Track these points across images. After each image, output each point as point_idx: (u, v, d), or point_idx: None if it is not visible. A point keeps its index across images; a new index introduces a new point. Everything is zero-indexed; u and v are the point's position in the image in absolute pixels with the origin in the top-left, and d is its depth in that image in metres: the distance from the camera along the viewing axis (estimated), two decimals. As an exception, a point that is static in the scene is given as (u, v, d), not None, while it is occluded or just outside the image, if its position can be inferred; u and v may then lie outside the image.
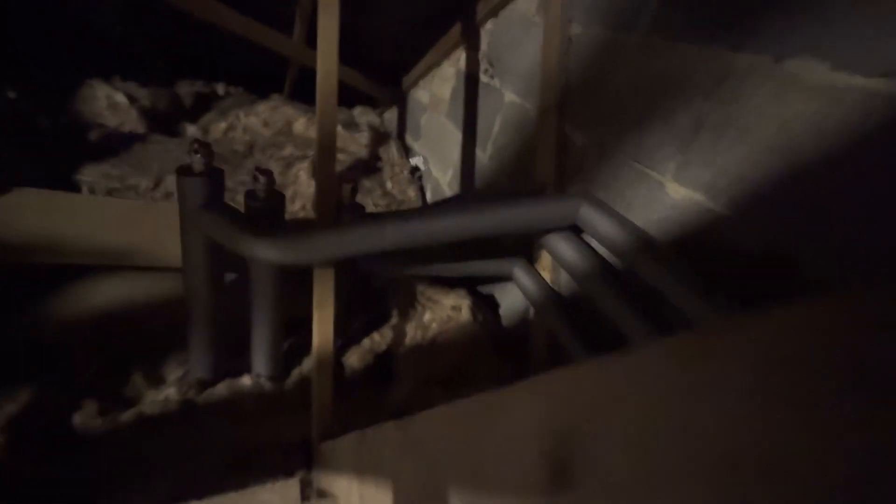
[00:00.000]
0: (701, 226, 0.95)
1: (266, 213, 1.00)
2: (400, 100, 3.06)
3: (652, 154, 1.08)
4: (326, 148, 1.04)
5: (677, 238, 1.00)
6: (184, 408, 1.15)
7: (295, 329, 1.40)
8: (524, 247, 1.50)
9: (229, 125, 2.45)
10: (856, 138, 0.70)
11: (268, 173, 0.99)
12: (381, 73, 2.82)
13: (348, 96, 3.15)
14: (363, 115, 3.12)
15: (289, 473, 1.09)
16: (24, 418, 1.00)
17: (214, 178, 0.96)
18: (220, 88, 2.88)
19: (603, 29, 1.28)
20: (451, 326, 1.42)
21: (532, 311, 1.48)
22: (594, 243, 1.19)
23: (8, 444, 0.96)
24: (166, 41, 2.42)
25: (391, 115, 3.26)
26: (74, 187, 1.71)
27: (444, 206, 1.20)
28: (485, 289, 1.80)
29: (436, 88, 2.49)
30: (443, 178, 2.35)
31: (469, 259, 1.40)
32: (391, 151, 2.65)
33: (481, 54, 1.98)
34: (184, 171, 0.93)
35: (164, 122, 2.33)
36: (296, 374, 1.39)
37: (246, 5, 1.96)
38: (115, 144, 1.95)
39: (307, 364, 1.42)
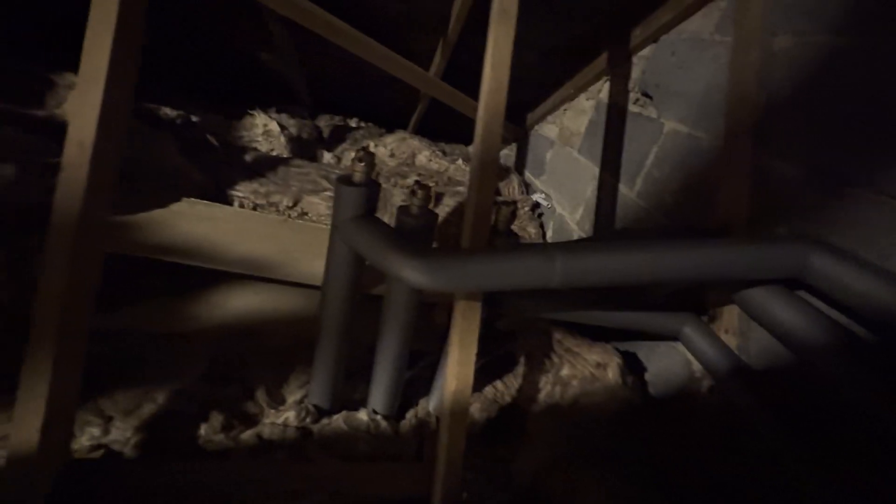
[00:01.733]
0: None
1: (418, 232, 0.90)
2: (521, 137, 2.99)
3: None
4: (487, 161, 0.92)
5: None
6: (299, 436, 1.05)
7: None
8: (692, 301, 1.21)
9: (360, 154, 2.56)
10: None
11: (426, 188, 0.89)
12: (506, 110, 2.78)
13: (465, 131, 3.18)
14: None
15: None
16: (158, 420, 0.98)
17: (372, 190, 0.88)
18: (354, 122, 3.09)
19: (828, 35, 1.01)
20: (597, 388, 1.17)
21: (703, 380, 1.16)
22: (823, 307, 0.88)
23: (140, 444, 0.94)
24: (315, 81, 2.67)
25: (509, 152, 3.19)
26: (228, 200, 1.85)
27: (626, 242, 0.99)
28: (623, 346, 1.52)
29: (568, 122, 2.34)
30: (570, 217, 2.14)
31: (625, 308, 1.15)
32: (512, 186, 2.54)
33: (632, 83, 1.79)
34: (343, 181, 0.87)
35: (306, 149, 2.52)
36: (410, 415, 1.24)
37: (389, 39, 2.05)
38: (264, 165, 2.11)
39: (423, 406, 1.26)
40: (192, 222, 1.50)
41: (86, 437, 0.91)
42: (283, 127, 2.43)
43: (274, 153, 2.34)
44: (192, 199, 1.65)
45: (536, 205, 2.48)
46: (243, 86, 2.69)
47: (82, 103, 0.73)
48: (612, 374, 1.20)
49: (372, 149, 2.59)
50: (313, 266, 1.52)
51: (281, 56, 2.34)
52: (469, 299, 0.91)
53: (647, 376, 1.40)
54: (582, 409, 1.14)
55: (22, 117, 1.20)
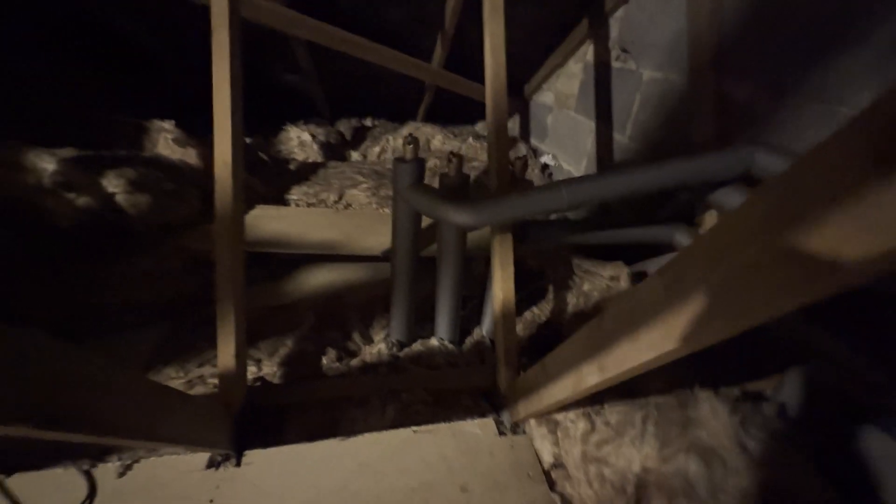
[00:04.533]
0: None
1: (458, 188, 1.22)
2: (521, 108, 3.24)
3: (840, 88, 1.03)
4: (500, 128, 1.22)
5: None
6: (391, 358, 1.40)
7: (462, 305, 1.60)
8: (684, 213, 1.49)
9: (381, 148, 2.89)
10: None
11: (459, 157, 1.20)
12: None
13: (470, 113, 3.45)
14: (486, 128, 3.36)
15: (481, 414, 1.24)
16: (291, 358, 1.34)
17: (419, 164, 1.20)
18: (369, 121, 3.40)
19: (759, -20, 1.26)
20: (613, 294, 1.47)
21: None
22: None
23: (283, 375, 1.31)
24: (332, 92, 3.00)
25: (512, 125, 3.45)
26: (287, 203, 2.21)
27: (612, 168, 1.27)
28: (638, 267, 1.80)
29: (562, 87, 2.59)
30: (576, 170, 2.41)
31: (626, 227, 1.44)
32: (520, 151, 2.81)
33: (612, 42, 2.04)
34: (399, 160, 1.19)
35: (335, 152, 2.86)
36: (469, 341, 1.57)
37: (391, 39, 2.33)
38: (307, 171, 2.46)
39: (477, 333, 1.59)
40: (270, 222, 1.87)
41: (249, 373, 1.28)
42: (313, 136, 2.77)
43: (310, 160, 2.69)
44: (263, 205, 2.02)
45: (545, 166, 2.75)
46: (273, 106, 3.04)
47: (220, 130, 1.07)
48: (624, 282, 1.50)
49: (391, 142, 2.91)
50: (368, 242, 1.87)
51: (304, 76, 2.67)
52: (503, 232, 1.22)
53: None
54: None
55: (136, 158, 1.57)
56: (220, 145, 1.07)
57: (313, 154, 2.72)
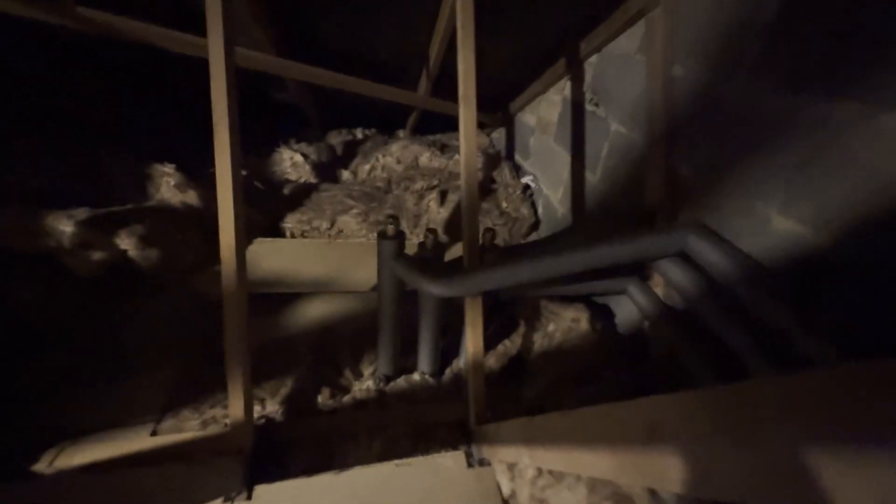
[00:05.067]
0: (802, 255, 1.08)
1: (433, 260, 1.40)
2: (507, 122, 3.35)
3: (758, 188, 1.21)
4: (472, 209, 1.39)
5: (781, 264, 1.13)
6: (378, 394, 1.62)
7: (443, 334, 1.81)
8: (638, 266, 1.69)
9: (371, 166, 3.02)
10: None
11: (434, 231, 1.37)
12: (490, 100, 3.14)
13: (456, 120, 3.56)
14: (476, 137, 3.47)
15: (454, 446, 1.47)
16: (291, 397, 1.55)
17: (400, 239, 1.38)
18: (360, 133, 3.51)
19: (704, 73, 1.40)
20: (574, 335, 1.68)
21: (644, 321, 1.66)
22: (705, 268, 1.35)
23: (284, 412, 1.52)
24: (322, 105, 3.08)
25: (499, 135, 3.57)
26: (281, 232, 2.37)
27: (565, 241, 1.46)
28: (601, 300, 2.01)
29: (543, 113, 2.72)
30: (554, 196, 2.58)
31: (588, 280, 1.64)
32: (504, 173, 2.96)
33: (586, 86, 2.17)
34: (382, 235, 1.37)
35: (327, 170, 2.99)
36: (448, 372, 1.78)
37: (379, 74, 2.43)
38: (300, 195, 2.61)
39: (455, 364, 1.81)
40: (268, 258, 2.03)
41: (255, 412, 1.49)
42: (305, 155, 2.89)
43: (303, 180, 2.82)
44: (260, 238, 2.18)
45: (527, 186, 2.91)
46: (265, 121, 3.13)
47: (221, 177, 1.20)
48: (584, 324, 1.71)
49: (380, 160, 3.03)
50: (358, 277, 2.05)
51: (294, 95, 2.76)
52: (473, 298, 1.41)
53: (616, 320, 1.91)
54: (565, 350, 1.66)
55: (145, 211, 1.72)
56: (223, 194, 1.21)
57: (306, 174, 2.85)
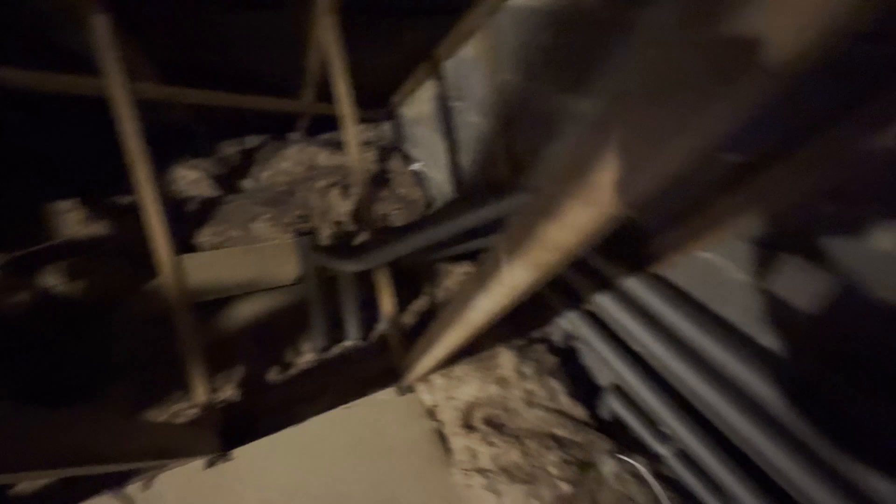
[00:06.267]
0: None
1: (344, 246, 1.77)
2: (393, 116, 3.73)
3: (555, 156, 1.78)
4: (366, 202, 1.78)
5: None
6: (319, 363, 1.98)
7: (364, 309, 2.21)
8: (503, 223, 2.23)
9: (272, 173, 3.21)
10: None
11: (339, 223, 1.74)
12: (374, 98, 3.48)
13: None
14: (366, 132, 3.80)
15: (387, 386, 1.90)
16: (246, 380, 1.85)
17: (313, 233, 1.72)
18: (251, 141, 3.62)
19: (521, 79, 1.94)
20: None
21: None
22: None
23: (241, 393, 1.81)
24: (209, 119, 3.16)
25: (388, 128, 3.93)
26: (195, 248, 2.52)
27: (443, 213, 1.93)
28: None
29: (419, 106, 3.15)
30: (439, 178, 3.05)
31: (469, 241, 2.14)
32: (395, 163, 3.36)
33: (448, 84, 2.64)
34: (298, 233, 1.70)
35: (226, 181, 3.11)
36: (373, 336, 2.19)
37: (263, 85, 2.64)
38: (206, 209, 2.74)
39: (378, 329, 2.22)
40: (193, 272, 2.22)
41: (216, 398, 1.76)
42: (203, 171, 2.98)
43: (205, 195, 2.93)
44: (187, 254, 2.33)
45: (416, 173, 3.35)
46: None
47: (145, 200, 1.47)
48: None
49: (279, 165, 3.23)
50: (281, 273, 2.34)
51: (183, 116, 2.83)
52: (380, 268, 1.82)
53: (498, 269, 2.46)
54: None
55: (62, 247, 1.82)
56: (152, 219, 1.48)
57: (206, 189, 2.95)
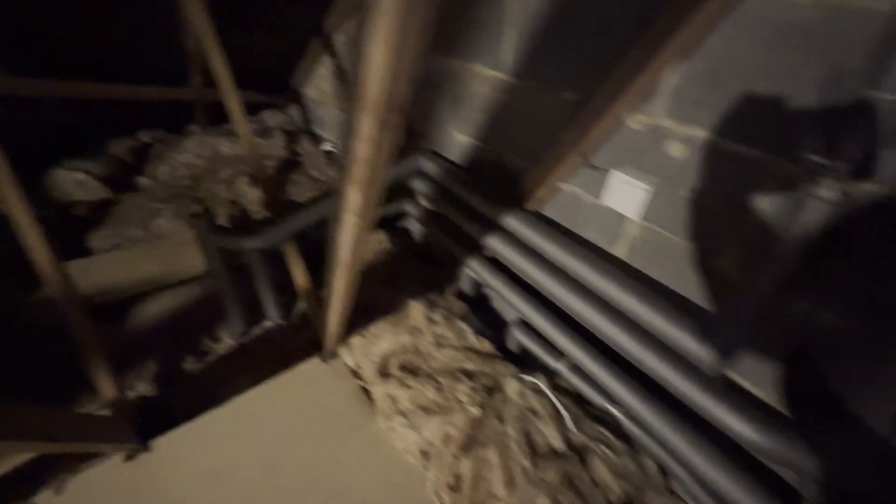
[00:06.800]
0: (472, 151, 1.80)
1: (242, 227, 1.77)
2: (297, 98, 3.64)
3: (446, 119, 1.89)
4: (267, 183, 1.79)
5: (463, 160, 1.85)
6: (240, 346, 1.98)
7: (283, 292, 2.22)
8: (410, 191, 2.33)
9: (171, 167, 3.03)
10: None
11: (243, 208, 1.73)
12: (273, 81, 3.38)
13: (254, 106, 3.69)
14: (272, 118, 3.68)
15: (310, 356, 1.95)
16: (160, 374, 1.81)
17: (210, 218, 1.71)
18: (146, 137, 3.38)
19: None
20: (380, 253, 2.27)
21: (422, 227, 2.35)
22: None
23: (156, 386, 1.78)
24: (97, 117, 2.90)
25: (296, 112, 3.83)
26: (93, 251, 2.36)
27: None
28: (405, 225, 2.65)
29: (320, 86, 3.12)
30: (350, 156, 3.07)
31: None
32: (305, 146, 3.31)
33: (342, 58, 2.64)
34: (197, 219, 1.67)
35: (119, 182, 2.89)
36: (293, 315, 2.22)
37: (145, 75, 2.49)
38: (98, 212, 2.56)
39: (297, 308, 2.25)
40: (90, 275, 2.09)
41: (131, 394, 1.71)
42: (87, 172, 2.76)
43: (96, 198, 2.72)
44: (78, 259, 2.19)
45: (329, 152, 3.33)
46: (25, 142, 2.81)
47: (18, 214, 1.39)
48: (386, 244, 2.31)
49: (178, 158, 3.06)
50: (186, 267, 2.28)
51: (59, 112, 2.59)
52: (286, 243, 1.84)
53: (413, 236, 2.56)
54: (375, 264, 2.24)
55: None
56: (26, 229, 1.40)
57: (96, 192, 2.74)
